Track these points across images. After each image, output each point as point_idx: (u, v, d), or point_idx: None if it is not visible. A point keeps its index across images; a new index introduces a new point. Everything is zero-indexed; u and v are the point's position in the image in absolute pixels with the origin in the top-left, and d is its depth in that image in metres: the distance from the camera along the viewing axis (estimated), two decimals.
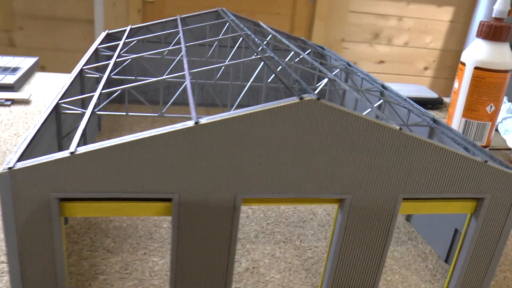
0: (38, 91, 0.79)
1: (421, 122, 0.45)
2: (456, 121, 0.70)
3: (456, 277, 0.38)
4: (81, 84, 0.50)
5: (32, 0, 1.95)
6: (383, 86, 0.57)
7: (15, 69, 0.81)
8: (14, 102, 0.72)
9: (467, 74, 0.67)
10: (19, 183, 0.28)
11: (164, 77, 0.39)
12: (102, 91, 0.39)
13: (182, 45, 0.48)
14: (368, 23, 2.26)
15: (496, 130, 0.83)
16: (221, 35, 0.73)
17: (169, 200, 0.30)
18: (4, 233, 0.28)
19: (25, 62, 0.85)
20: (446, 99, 1.00)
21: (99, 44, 0.61)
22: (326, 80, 0.42)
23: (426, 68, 2.32)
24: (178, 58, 0.49)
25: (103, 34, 0.68)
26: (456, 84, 0.70)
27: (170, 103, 0.39)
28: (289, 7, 2.28)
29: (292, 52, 0.56)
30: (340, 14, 2.26)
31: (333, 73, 0.54)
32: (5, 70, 0.80)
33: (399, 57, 2.31)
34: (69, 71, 2.12)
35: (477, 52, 0.66)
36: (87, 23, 2.01)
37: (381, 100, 0.45)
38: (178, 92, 0.41)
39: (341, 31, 2.29)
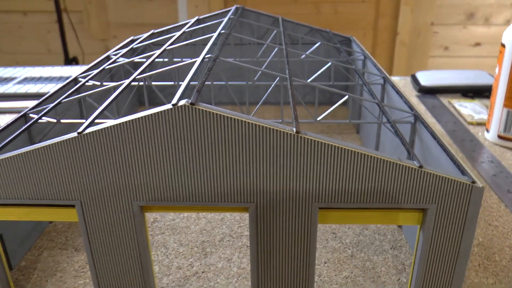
0: None
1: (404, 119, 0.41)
2: (497, 112, 0.61)
3: None
4: (78, 91, 0.53)
5: (123, 9, 2.12)
6: (384, 79, 0.52)
7: (61, 78, 0.89)
8: None
9: (508, 57, 0.58)
10: None
11: (116, 83, 0.40)
12: (64, 100, 0.42)
13: (164, 46, 0.49)
14: (461, 3, 2.06)
15: None
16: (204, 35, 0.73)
17: (70, 205, 0.31)
18: None
19: (74, 71, 0.93)
20: None
21: (115, 50, 0.65)
22: (277, 78, 0.40)
23: None
24: (149, 60, 0.49)
25: (128, 40, 0.72)
26: (497, 70, 0.61)
27: (124, 107, 0.40)
28: None
29: (276, 48, 0.54)
30: None
31: (323, 69, 0.50)
32: (53, 79, 0.89)
33: (498, 37, 2.07)
34: None
35: None
36: None
37: (347, 96, 0.41)
38: (131, 95, 0.42)
39: (430, 14, 2.11)
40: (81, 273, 0.40)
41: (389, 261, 0.41)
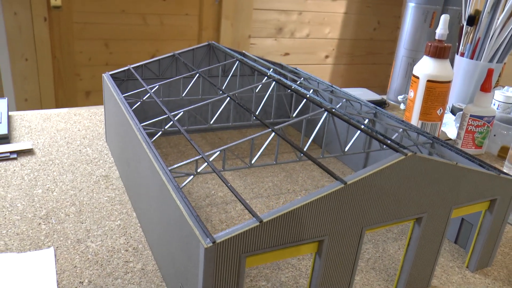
0: (29, 136, 0.78)
1: (426, 141, 0.59)
2: (414, 123, 0.86)
3: (475, 255, 0.53)
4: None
5: None
6: (375, 108, 0.70)
7: None
8: (18, 154, 0.72)
9: (421, 85, 0.83)
10: (219, 251, 0.35)
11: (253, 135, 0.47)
12: (206, 154, 0.46)
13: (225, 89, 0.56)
14: (272, 19, 2.41)
15: None
16: (231, 74, 0.80)
17: (316, 241, 0.39)
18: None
19: None
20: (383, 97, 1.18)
21: (123, 92, 0.65)
22: (324, 113, 0.54)
23: (327, 57, 2.56)
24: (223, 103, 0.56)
25: (107, 77, 0.71)
26: (411, 94, 0.86)
27: (259, 154, 0.47)
28: (196, 8, 2.33)
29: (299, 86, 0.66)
30: (245, 12, 2.37)
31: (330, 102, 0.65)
32: None
33: (302, 48, 2.50)
34: None
35: (427, 67, 0.82)
36: None
37: (401, 130, 0.58)
38: (265, 144, 0.49)
39: (247, 28, 2.40)
40: None
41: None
